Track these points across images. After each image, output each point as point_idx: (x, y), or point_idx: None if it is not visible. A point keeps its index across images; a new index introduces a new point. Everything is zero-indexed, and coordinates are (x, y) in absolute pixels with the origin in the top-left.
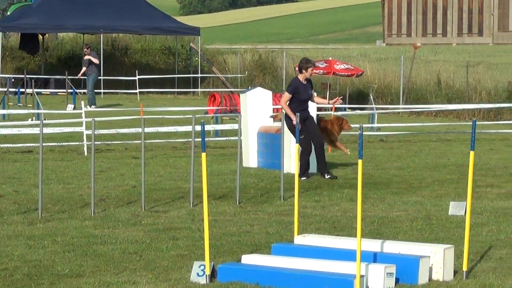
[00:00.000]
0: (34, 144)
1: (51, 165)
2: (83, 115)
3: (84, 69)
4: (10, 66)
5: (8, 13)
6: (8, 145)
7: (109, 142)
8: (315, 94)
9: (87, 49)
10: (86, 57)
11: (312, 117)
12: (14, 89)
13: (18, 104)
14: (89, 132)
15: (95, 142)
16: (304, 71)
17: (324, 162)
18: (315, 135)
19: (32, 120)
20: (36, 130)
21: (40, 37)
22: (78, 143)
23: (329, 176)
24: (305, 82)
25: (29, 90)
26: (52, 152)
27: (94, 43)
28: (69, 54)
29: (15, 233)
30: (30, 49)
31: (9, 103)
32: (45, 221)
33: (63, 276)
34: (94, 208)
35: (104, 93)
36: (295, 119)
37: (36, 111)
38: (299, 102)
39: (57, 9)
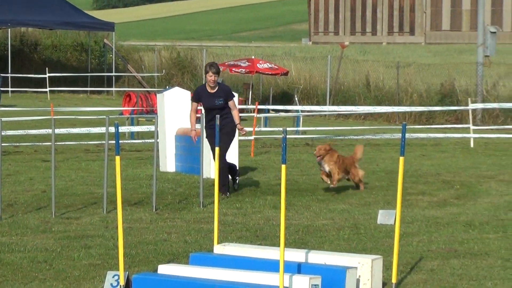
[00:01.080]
0: None
1: None
2: None
3: None
4: None
5: None
6: None
7: (17, 144)
8: (233, 103)
9: None
10: None
11: (229, 129)
12: None
13: None
14: None
15: (3, 144)
16: (206, 76)
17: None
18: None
19: None
20: None
21: None
22: None
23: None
24: (212, 90)
25: None
26: None
27: (1, 38)
28: None
29: None
30: None
31: None
32: None
33: None
34: (1, 214)
35: (12, 91)
36: (193, 133)
37: None
38: (206, 112)
39: None
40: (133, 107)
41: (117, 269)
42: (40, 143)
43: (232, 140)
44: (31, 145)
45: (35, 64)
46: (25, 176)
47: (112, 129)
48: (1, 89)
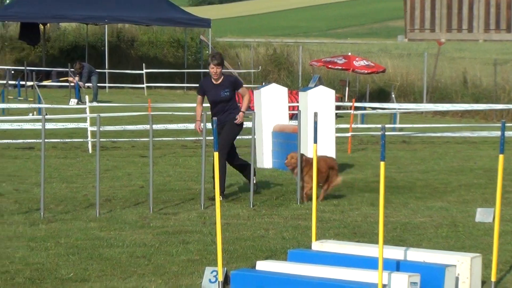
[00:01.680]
0: (35, 140)
1: (53, 163)
2: (87, 110)
3: (77, 78)
4: (9, 57)
5: (7, 1)
6: (8, 140)
7: (115, 140)
8: (244, 90)
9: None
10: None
11: (229, 125)
12: (13, 82)
13: (18, 98)
14: (94, 128)
15: (101, 139)
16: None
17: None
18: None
19: (33, 114)
20: (37, 126)
21: (41, 27)
22: (82, 140)
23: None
24: (216, 82)
25: (29, 83)
26: (55, 149)
27: (98, 34)
28: (71, 45)
29: (16, 234)
30: (31, 39)
31: (9, 97)
32: (47, 222)
33: (67, 280)
34: (99, 209)
35: (109, 87)
36: (198, 124)
37: (37, 105)
38: (212, 105)
39: None
40: None
41: (215, 265)
42: (138, 139)
43: (235, 133)
44: (129, 140)
45: (132, 60)
46: (123, 172)
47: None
48: (98, 85)
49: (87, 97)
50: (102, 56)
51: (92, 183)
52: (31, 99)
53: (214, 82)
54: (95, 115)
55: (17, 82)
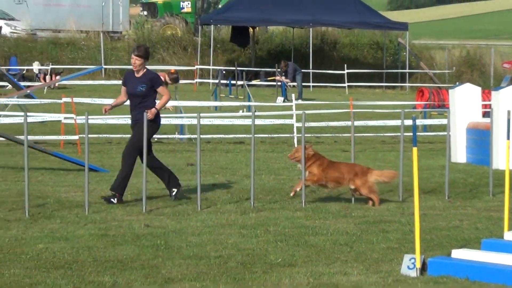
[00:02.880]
0: (245, 135)
1: (262, 156)
2: (294, 107)
3: (283, 77)
4: (221, 58)
5: (219, 6)
6: (221, 135)
7: (319, 135)
8: (162, 89)
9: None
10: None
11: (140, 125)
12: (225, 81)
13: (230, 96)
14: (299, 124)
15: (305, 135)
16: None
17: (120, 179)
18: (130, 143)
19: (243, 111)
20: (247, 122)
21: (251, 30)
22: (288, 135)
23: (106, 199)
24: (137, 75)
25: (240, 82)
26: (263, 143)
27: (304, 37)
28: (278, 47)
29: (228, 222)
30: (241, 41)
31: (221, 95)
32: (257, 211)
33: (276, 265)
34: (305, 199)
35: (313, 86)
36: (107, 107)
37: (247, 103)
38: (129, 98)
39: (268, 3)
40: (426, 101)
41: (413, 253)
42: (340, 134)
43: (152, 132)
44: (331, 136)
45: (334, 61)
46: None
47: (407, 122)
48: (302, 84)
49: (293, 95)
50: (307, 57)
51: (298, 175)
52: (241, 97)
53: (135, 75)
54: (300, 112)
55: (228, 81)
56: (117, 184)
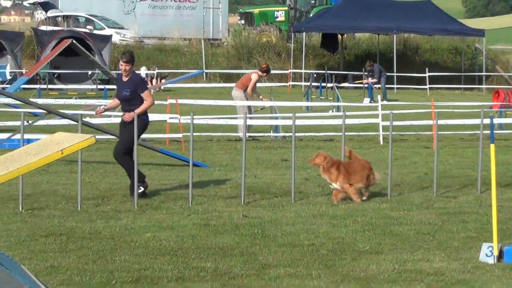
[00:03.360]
0: (335, 133)
1: None
2: (380, 108)
3: (370, 79)
4: (312, 62)
5: (311, 15)
6: (312, 134)
7: (403, 133)
8: (146, 94)
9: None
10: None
11: (131, 127)
12: (316, 84)
13: (320, 97)
14: (385, 123)
15: (393, 133)
16: None
17: (131, 178)
18: (118, 145)
19: (332, 111)
20: (336, 121)
21: (339, 36)
22: (374, 133)
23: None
24: (124, 79)
25: (329, 85)
26: (351, 140)
27: (388, 42)
28: (365, 52)
29: (319, 213)
30: (330, 47)
31: (312, 96)
32: (346, 203)
33: (364, 252)
34: (390, 191)
35: (396, 88)
36: (100, 109)
37: (336, 103)
38: (119, 101)
39: (355, 12)
40: (502, 102)
41: (491, 241)
42: (422, 132)
43: (137, 135)
44: (414, 134)
45: (416, 65)
46: (410, 160)
47: (486, 121)
48: (386, 86)
49: (379, 96)
50: (391, 61)
51: (384, 170)
52: (331, 98)
53: (123, 79)
54: (387, 111)
55: (319, 84)
56: (131, 183)
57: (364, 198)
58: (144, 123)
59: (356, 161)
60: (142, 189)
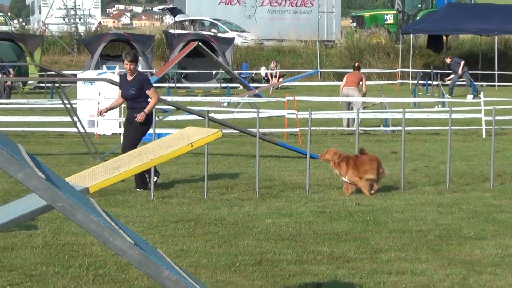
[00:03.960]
0: (440, 128)
1: (455, 146)
2: (482, 103)
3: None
4: (419, 62)
5: (417, 18)
6: (419, 128)
7: (504, 127)
8: (151, 92)
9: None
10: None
11: (134, 126)
12: (422, 81)
13: (426, 94)
14: (487, 118)
15: (495, 127)
16: None
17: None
18: (124, 143)
19: (438, 107)
20: (442, 116)
21: (444, 38)
22: (477, 127)
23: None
24: (129, 78)
25: (435, 82)
26: (456, 134)
27: (489, 43)
28: (468, 52)
29: (427, 201)
30: (436, 48)
31: (419, 93)
32: (451, 192)
33: (468, 238)
34: (493, 182)
35: (498, 85)
36: (103, 109)
37: (441, 99)
38: (125, 100)
39: (458, 15)
40: None
41: None
42: None
43: (142, 133)
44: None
45: None
46: (511, 153)
47: None
48: (487, 84)
49: (482, 93)
50: (492, 61)
51: (486, 161)
52: (436, 94)
53: (127, 78)
54: (490, 107)
55: (425, 82)
56: (137, 176)
57: (373, 191)
58: (148, 121)
59: (365, 155)
60: (155, 179)
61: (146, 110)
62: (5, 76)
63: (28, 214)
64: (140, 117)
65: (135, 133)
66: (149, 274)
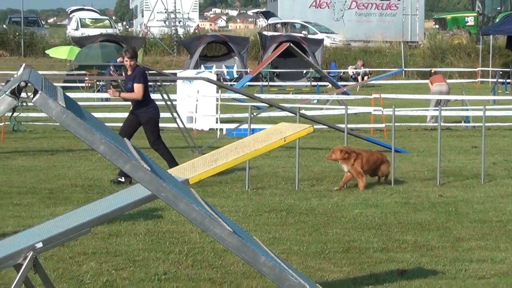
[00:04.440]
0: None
1: None
2: None
3: None
4: (498, 61)
5: (497, 20)
6: (498, 124)
7: None
8: (136, 87)
9: None
10: None
11: (145, 125)
12: (501, 80)
13: (505, 92)
14: None
15: None
16: None
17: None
18: (120, 129)
19: None
20: None
21: None
22: None
23: (115, 181)
24: (129, 73)
25: None
26: None
27: None
28: None
29: (506, 193)
30: None
31: (498, 91)
32: None
33: None
34: None
35: None
36: (110, 91)
37: None
38: None
39: None
40: None
41: None
42: None
43: (154, 126)
44: None
45: None
46: None
47: None
48: None
49: None
50: None
51: None
52: None
53: (128, 73)
54: None
55: (504, 80)
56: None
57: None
58: (149, 117)
59: (374, 152)
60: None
61: (122, 94)
62: (109, 75)
63: (132, 204)
64: (110, 92)
65: (151, 131)
66: (246, 260)
